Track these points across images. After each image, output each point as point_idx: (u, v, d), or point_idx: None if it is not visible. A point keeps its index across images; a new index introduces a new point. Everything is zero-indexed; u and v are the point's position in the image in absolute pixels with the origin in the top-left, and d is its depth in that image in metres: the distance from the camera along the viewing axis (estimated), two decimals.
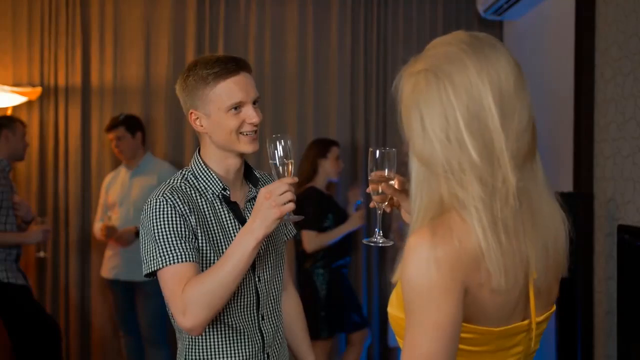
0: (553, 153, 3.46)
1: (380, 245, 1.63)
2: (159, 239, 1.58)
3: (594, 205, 2.95)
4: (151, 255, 1.59)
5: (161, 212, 1.60)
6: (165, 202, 1.61)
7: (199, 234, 1.63)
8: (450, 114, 1.05)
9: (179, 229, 1.59)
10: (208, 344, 1.69)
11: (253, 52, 4.24)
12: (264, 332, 1.74)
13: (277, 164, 1.59)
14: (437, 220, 1.06)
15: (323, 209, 3.74)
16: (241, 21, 4.30)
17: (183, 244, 1.58)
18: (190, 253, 1.58)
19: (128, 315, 3.89)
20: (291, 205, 1.52)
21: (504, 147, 1.04)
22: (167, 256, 1.56)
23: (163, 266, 1.56)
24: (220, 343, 1.69)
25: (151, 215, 1.61)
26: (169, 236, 1.58)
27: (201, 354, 1.69)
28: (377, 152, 1.55)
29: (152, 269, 1.59)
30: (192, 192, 1.69)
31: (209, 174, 1.71)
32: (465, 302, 1.04)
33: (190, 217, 1.62)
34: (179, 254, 1.57)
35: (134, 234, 3.71)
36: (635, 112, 2.61)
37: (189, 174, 1.73)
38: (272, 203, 1.51)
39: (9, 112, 4.01)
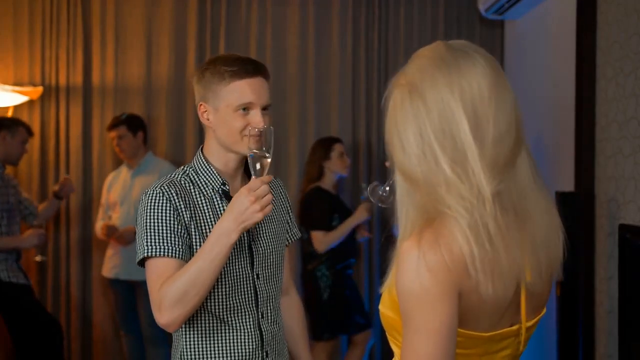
0: (554, 152, 3.46)
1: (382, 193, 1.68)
2: (150, 228, 1.60)
3: (595, 204, 2.94)
4: (141, 243, 1.61)
5: (156, 203, 1.62)
6: (161, 194, 1.63)
7: (192, 230, 1.64)
8: (424, 131, 1.07)
9: (171, 222, 1.61)
10: (204, 341, 1.69)
11: (254, 52, 4.24)
12: (263, 330, 1.74)
13: (254, 156, 1.59)
14: (426, 229, 1.07)
15: (330, 208, 3.73)
16: (242, 21, 4.30)
17: (173, 238, 1.59)
18: (177, 249, 1.59)
19: (129, 314, 3.89)
20: (271, 207, 1.56)
21: (477, 158, 1.05)
22: (154, 246, 1.58)
23: (149, 255, 1.58)
24: (216, 340, 1.69)
25: (146, 205, 1.63)
26: (159, 227, 1.60)
27: (197, 351, 1.69)
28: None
29: (141, 257, 1.61)
30: (191, 187, 1.70)
31: (210, 169, 1.73)
32: (459, 306, 1.05)
33: (184, 212, 1.64)
34: (166, 247, 1.58)
35: (134, 234, 3.69)
36: (636, 112, 2.61)
37: (190, 169, 1.75)
38: (257, 207, 1.53)
39: (10, 112, 4.01)
